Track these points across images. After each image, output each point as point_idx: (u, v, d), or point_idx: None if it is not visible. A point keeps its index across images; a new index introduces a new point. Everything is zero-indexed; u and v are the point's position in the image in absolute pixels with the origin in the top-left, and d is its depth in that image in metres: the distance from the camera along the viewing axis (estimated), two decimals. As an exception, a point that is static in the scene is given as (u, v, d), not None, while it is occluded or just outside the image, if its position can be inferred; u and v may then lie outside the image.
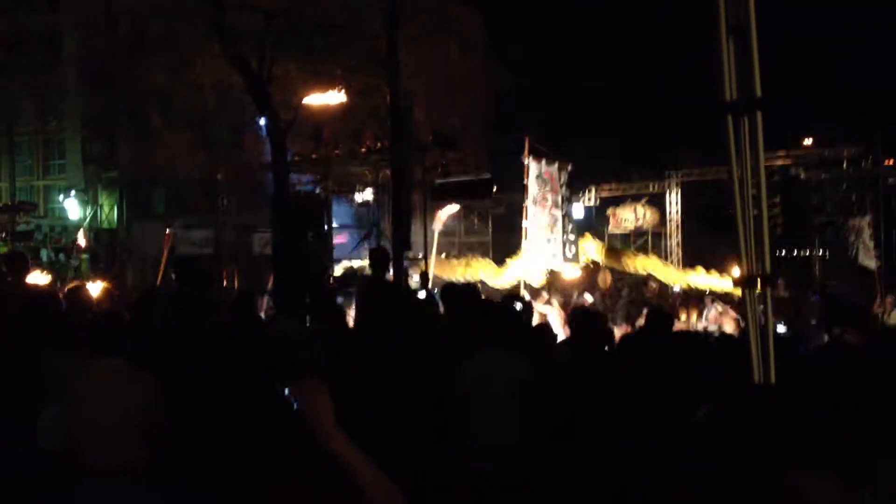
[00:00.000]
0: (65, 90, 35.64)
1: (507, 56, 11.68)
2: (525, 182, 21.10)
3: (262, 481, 2.01)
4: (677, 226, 30.59)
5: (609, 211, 32.74)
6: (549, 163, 21.66)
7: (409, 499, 2.30)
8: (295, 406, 2.13)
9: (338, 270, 16.86)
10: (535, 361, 5.33)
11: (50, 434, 4.71)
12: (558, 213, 21.78)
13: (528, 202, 20.83)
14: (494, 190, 27.14)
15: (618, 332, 13.89)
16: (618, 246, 32.55)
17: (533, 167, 21.06)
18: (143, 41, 13.85)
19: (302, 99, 13.39)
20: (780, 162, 29.83)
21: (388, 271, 9.38)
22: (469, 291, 7.80)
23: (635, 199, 32.15)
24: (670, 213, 30.99)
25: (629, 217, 32.39)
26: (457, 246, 30.17)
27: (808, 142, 30.57)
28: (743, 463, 1.31)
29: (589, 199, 31.86)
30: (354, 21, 11.93)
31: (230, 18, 11.48)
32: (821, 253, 28.53)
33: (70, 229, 31.11)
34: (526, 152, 21.41)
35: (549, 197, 21.43)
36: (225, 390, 4.92)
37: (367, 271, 11.49)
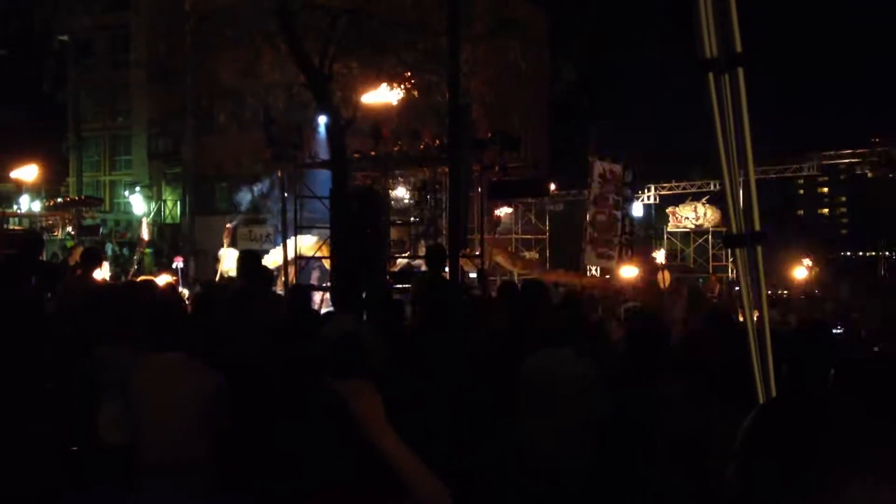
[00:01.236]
0: (132, 88, 36.41)
1: (569, 54, 11.63)
2: (589, 181, 21.03)
3: (315, 480, 2.04)
4: (739, 225, 30.02)
5: (669, 209, 32.33)
6: (614, 162, 21.56)
7: (460, 498, 2.31)
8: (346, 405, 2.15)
9: (394, 267, 16.95)
10: (597, 362, 5.30)
11: (112, 427, 4.83)
12: (618, 214, 21.65)
13: (590, 201, 20.80)
14: (552, 188, 27.06)
15: (677, 332, 13.73)
16: (677, 245, 32.20)
17: (597, 166, 21.00)
18: (210, 40, 14.09)
19: (362, 96, 13.50)
20: (846, 161, 29.20)
21: (445, 268, 9.39)
22: (533, 288, 7.72)
23: (696, 197, 31.68)
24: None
25: (689, 216, 31.91)
26: (514, 243, 30.14)
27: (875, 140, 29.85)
28: (789, 472, 1.29)
29: (648, 198, 31.51)
30: (420, 19, 11.97)
31: (297, 17, 11.60)
32: (887, 253, 27.86)
33: (134, 224, 31.80)
34: (591, 151, 21.35)
35: (611, 197, 21.33)
36: (282, 386, 4.98)
37: (424, 268, 11.53)
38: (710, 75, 2.86)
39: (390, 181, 18.09)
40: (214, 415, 4.63)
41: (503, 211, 27.79)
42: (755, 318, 2.88)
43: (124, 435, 4.78)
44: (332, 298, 9.78)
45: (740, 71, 2.86)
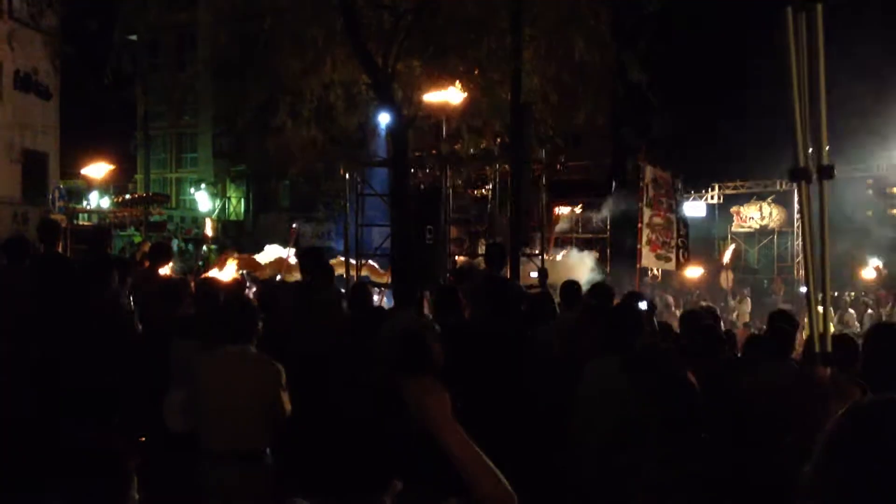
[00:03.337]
0: (198, 87, 37.00)
1: (635, 51, 11.53)
2: (641, 185, 21.05)
3: (378, 474, 2.06)
4: (806, 225, 29.40)
5: (733, 209, 31.78)
6: (664, 168, 21.69)
7: (522, 496, 2.30)
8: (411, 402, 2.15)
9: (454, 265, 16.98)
10: (644, 373, 5.22)
11: (176, 416, 4.94)
12: (673, 217, 21.67)
13: (644, 205, 20.83)
14: (614, 187, 26.86)
15: (742, 333, 13.54)
16: (742, 245, 31.63)
17: (649, 171, 21.06)
18: (275, 38, 14.25)
19: (424, 95, 13.53)
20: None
21: (505, 267, 9.37)
22: (600, 290, 7.65)
23: (760, 197, 31.10)
24: (798, 211, 29.83)
25: (754, 216, 31.34)
26: (574, 243, 29.96)
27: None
28: (874, 477, 1.28)
29: (712, 198, 31.03)
30: (484, 17, 11.96)
31: (361, 16, 11.68)
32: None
33: (200, 220, 32.33)
34: (642, 156, 21.36)
35: (664, 200, 21.35)
36: (346, 380, 5.03)
37: (483, 266, 11.52)
38: (789, 10, 2.84)
39: (451, 179, 18.11)
40: (274, 406, 4.72)
41: (563, 210, 27.65)
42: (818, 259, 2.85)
43: (186, 423, 4.88)
44: (394, 295, 9.84)
45: (819, 7, 2.83)
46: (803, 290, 27.42)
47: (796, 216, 29.99)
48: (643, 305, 6.78)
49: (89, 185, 30.52)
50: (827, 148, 2.91)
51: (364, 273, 16.79)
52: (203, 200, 34.90)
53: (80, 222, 26.67)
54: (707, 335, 5.95)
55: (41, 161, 25.08)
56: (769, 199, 30.94)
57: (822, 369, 2.87)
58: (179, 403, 5.00)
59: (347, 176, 18.06)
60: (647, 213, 21.00)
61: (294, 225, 22.43)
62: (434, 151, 16.26)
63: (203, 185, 35.48)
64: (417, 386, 2.22)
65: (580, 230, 30.31)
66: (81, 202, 30.50)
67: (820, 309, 2.97)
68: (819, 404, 2.67)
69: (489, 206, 20.04)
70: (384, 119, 14.44)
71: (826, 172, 2.86)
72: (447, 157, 16.05)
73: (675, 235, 21.95)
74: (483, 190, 20.92)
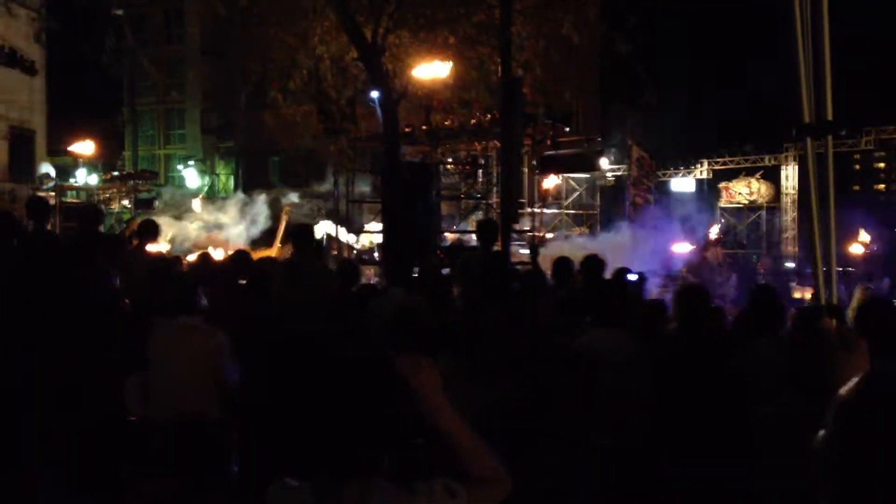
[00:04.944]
0: (185, 62, 36.73)
1: (623, 25, 11.49)
2: (628, 163, 21.50)
3: (368, 453, 2.04)
4: (793, 201, 29.52)
5: (721, 185, 31.84)
6: (647, 150, 22.22)
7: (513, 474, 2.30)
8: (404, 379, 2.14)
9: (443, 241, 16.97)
10: (646, 341, 5.24)
11: (135, 399, 4.93)
12: (651, 199, 22.35)
13: (630, 183, 21.38)
14: (603, 162, 26.86)
15: (729, 309, 13.57)
16: (730, 221, 31.69)
17: (635, 150, 21.56)
18: (262, 13, 14.14)
19: (413, 69, 13.45)
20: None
21: (496, 243, 9.35)
22: (591, 264, 7.64)
23: (749, 172, 31.14)
24: (786, 187, 29.95)
25: (743, 191, 31.41)
26: (563, 217, 29.93)
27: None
28: (885, 444, 1.28)
29: (700, 173, 31.04)
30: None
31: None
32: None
33: (188, 197, 32.16)
34: (629, 137, 21.67)
35: (645, 182, 21.93)
36: (336, 357, 5.01)
37: (474, 243, 11.51)
38: None
39: (440, 155, 18.08)
40: (220, 373, 4.77)
41: (551, 183, 27.63)
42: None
43: (145, 406, 4.86)
44: (385, 272, 9.83)
45: None
46: (790, 265, 27.51)
47: (784, 192, 30.06)
48: (633, 277, 6.78)
49: (77, 162, 30.30)
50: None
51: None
52: (191, 177, 34.68)
53: (69, 199, 26.49)
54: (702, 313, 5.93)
55: (28, 138, 24.87)
56: (758, 175, 30.99)
57: (827, 321, 2.89)
58: (137, 386, 4.97)
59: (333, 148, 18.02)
60: (632, 191, 21.51)
61: (286, 205, 22.30)
62: (424, 127, 16.20)
63: (191, 162, 35.24)
64: (409, 362, 2.21)
65: (571, 205, 30.33)
66: (69, 179, 30.28)
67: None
68: (823, 363, 2.68)
69: (479, 182, 20.04)
70: (375, 95, 14.38)
71: (829, 128, 2.86)
72: (437, 132, 16.01)
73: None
74: (473, 166, 20.91)
